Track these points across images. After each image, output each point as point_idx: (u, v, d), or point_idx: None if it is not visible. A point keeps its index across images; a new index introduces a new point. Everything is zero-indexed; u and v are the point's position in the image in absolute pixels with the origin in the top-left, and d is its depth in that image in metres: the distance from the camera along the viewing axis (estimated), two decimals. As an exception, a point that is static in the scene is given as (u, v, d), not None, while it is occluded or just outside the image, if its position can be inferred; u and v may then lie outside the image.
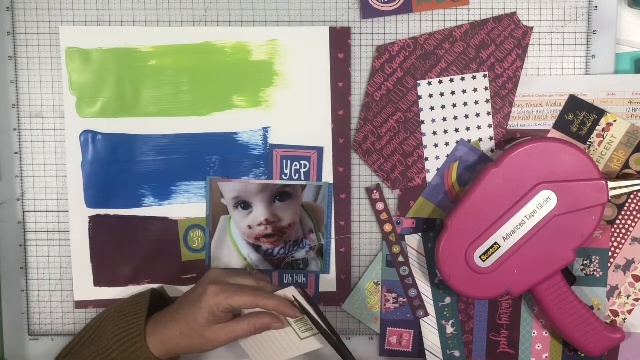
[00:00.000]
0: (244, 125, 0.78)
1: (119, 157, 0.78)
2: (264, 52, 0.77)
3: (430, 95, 0.77)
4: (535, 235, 0.72)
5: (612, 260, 0.78)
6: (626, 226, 0.77)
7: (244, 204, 0.79)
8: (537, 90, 0.77)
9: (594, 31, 0.77)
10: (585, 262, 0.78)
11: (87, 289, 0.80)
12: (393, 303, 0.80)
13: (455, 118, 0.77)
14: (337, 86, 0.78)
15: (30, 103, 0.78)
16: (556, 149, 0.72)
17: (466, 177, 0.78)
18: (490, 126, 0.77)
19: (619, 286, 0.78)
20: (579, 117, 0.77)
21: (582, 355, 0.79)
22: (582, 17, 0.77)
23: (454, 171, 0.78)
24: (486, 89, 0.77)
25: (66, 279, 0.80)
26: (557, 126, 0.77)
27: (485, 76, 0.77)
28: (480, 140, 0.78)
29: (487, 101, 0.77)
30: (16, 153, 0.79)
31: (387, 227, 0.79)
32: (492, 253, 0.73)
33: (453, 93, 0.77)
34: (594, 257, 0.78)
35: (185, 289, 0.79)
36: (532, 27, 0.77)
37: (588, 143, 0.77)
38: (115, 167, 0.78)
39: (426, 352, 0.80)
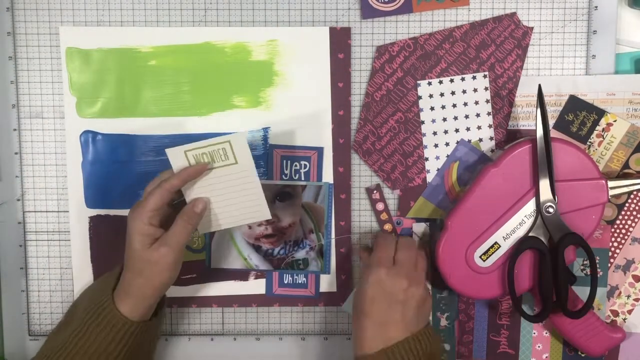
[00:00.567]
0: (244, 125, 0.78)
1: (119, 157, 0.78)
2: (264, 52, 0.77)
3: (430, 96, 0.77)
4: (536, 235, 0.72)
5: (612, 260, 0.78)
6: (626, 226, 0.77)
7: (244, 204, 0.79)
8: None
9: (594, 31, 0.77)
10: (585, 262, 0.78)
11: (87, 289, 0.80)
12: (393, 303, 0.80)
13: (455, 118, 0.77)
14: (337, 86, 0.78)
15: (30, 103, 0.78)
16: (556, 149, 0.72)
17: (466, 177, 0.78)
18: (490, 126, 0.77)
19: (619, 286, 0.78)
20: (579, 117, 0.77)
21: (583, 355, 0.79)
22: (582, 17, 0.77)
23: (454, 171, 0.78)
24: (486, 89, 0.77)
25: (66, 279, 0.80)
26: (557, 126, 0.77)
27: (485, 76, 0.77)
28: (480, 140, 0.78)
29: (487, 101, 0.77)
30: (16, 153, 0.79)
31: (387, 227, 0.79)
32: (492, 253, 0.73)
33: (453, 93, 0.77)
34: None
35: (185, 289, 0.80)
36: (532, 27, 0.77)
37: (588, 143, 0.77)
38: (115, 167, 0.78)
39: None
